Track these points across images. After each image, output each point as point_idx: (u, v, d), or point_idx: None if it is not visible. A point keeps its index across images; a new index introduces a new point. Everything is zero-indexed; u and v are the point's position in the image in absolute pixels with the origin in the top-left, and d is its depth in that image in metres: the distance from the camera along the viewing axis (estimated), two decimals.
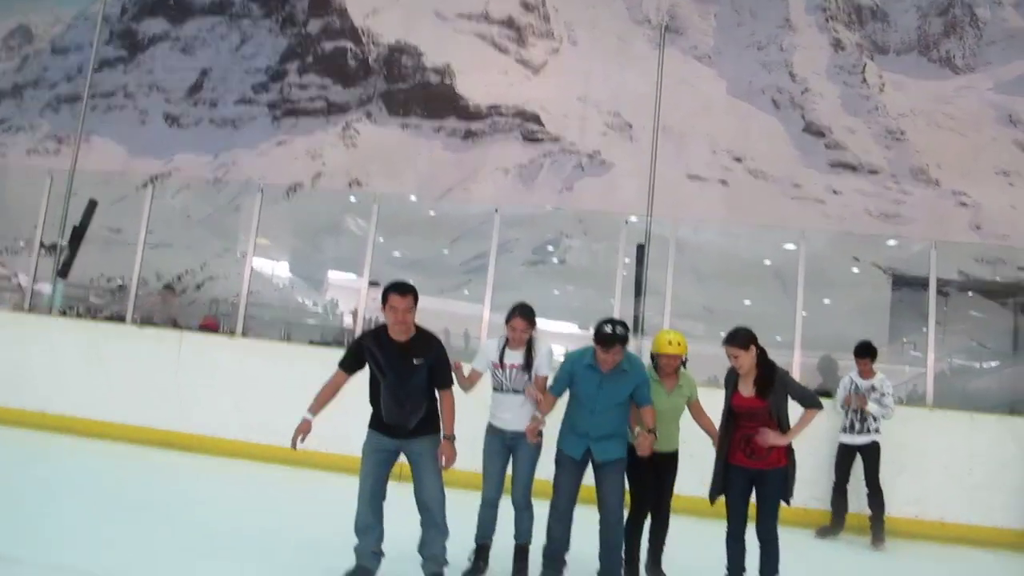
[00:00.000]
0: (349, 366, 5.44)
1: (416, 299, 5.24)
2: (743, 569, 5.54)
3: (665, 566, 6.19)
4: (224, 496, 8.01)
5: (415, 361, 5.24)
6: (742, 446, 5.47)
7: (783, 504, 5.55)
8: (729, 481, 5.55)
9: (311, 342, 14.96)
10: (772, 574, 5.47)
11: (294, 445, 5.33)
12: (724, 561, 5.64)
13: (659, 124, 12.51)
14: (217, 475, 8.93)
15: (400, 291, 5.19)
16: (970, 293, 20.80)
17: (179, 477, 8.67)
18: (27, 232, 15.75)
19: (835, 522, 8.54)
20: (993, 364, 18.41)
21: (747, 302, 16.01)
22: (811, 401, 5.52)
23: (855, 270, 20.53)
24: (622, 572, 5.74)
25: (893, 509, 8.62)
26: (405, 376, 5.24)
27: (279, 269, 21.12)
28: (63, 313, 11.58)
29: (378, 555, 5.40)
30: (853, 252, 20.76)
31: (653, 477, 5.92)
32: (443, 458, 5.31)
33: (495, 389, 5.86)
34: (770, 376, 5.43)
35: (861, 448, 8.49)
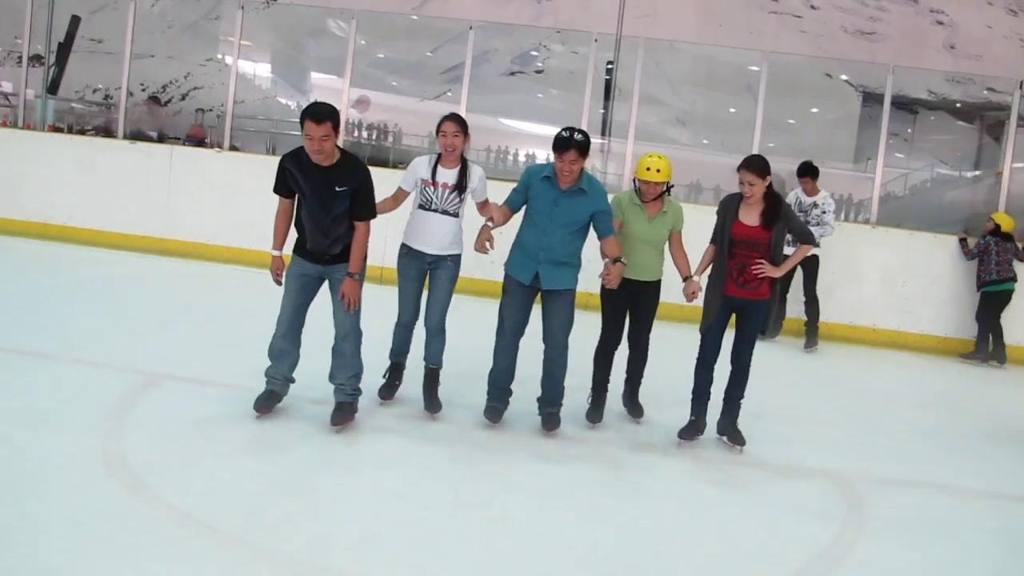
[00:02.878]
0: (282, 191, 4.99)
1: (336, 125, 4.67)
2: (709, 396, 5.49)
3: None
4: (222, 298, 8.75)
5: (337, 188, 4.77)
6: (733, 275, 5.29)
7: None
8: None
9: None
10: (740, 397, 5.50)
11: (276, 282, 5.11)
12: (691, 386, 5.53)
13: None
14: (211, 279, 9.67)
15: (315, 117, 4.56)
16: (943, 112, 21.31)
17: (177, 282, 9.35)
18: (5, 42, 15.75)
19: (773, 327, 9.12)
20: (960, 175, 19.13)
21: (732, 109, 16.27)
22: (808, 237, 5.52)
23: (842, 77, 20.84)
24: (562, 403, 5.43)
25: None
26: (327, 203, 4.81)
27: (260, 70, 21.02)
28: (55, 128, 11.89)
29: (289, 381, 5.20)
30: (826, 69, 21.00)
31: (628, 304, 5.65)
32: (344, 296, 4.93)
33: (421, 207, 5.38)
34: (777, 207, 5.28)
35: (801, 260, 9.09)
